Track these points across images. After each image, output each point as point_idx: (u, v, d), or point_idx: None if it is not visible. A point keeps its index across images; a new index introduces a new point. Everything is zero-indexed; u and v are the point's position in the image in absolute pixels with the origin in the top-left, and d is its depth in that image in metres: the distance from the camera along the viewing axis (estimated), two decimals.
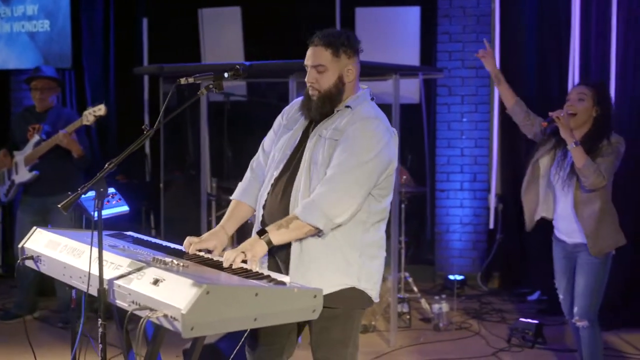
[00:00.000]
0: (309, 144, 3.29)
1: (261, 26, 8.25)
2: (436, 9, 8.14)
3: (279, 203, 3.28)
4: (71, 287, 3.22)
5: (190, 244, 3.29)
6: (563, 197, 4.54)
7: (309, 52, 3.31)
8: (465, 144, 8.08)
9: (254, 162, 3.59)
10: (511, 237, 7.88)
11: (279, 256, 3.30)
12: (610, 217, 4.51)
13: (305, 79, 3.32)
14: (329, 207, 3.10)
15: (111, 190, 3.92)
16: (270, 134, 3.58)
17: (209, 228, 6.41)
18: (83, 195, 3.76)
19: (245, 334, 3.44)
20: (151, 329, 3.25)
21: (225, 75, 3.10)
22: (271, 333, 3.40)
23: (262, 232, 3.11)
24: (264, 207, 3.35)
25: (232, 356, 3.52)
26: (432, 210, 7.95)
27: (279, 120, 3.57)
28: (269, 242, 3.08)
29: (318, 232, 3.14)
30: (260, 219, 3.37)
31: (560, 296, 4.79)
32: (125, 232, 3.70)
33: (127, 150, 2.92)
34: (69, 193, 2.97)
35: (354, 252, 3.24)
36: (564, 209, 4.55)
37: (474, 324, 6.56)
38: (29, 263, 3.47)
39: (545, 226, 7.31)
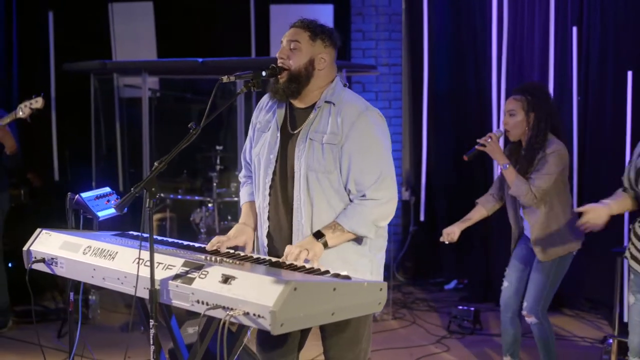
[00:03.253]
0: (301, 149, 3.21)
1: (174, 22, 8.15)
2: (349, 7, 8.30)
3: (281, 215, 3.28)
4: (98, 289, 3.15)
5: (219, 242, 3.27)
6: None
7: (289, 31, 3.30)
8: None
9: (246, 159, 3.55)
10: (424, 229, 8.15)
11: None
12: (558, 223, 4.58)
13: (277, 54, 3.27)
14: (379, 219, 3.20)
15: (107, 190, 3.84)
16: (249, 134, 3.52)
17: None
18: (84, 195, 3.69)
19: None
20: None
21: (263, 73, 3.13)
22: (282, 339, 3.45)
23: (319, 235, 3.12)
24: (269, 219, 3.33)
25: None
26: None
27: (252, 123, 3.49)
28: (325, 244, 3.11)
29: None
30: (267, 230, 3.33)
31: (505, 283, 4.85)
32: (130, 232, 3.62)
33: (176, 148, 2.89)
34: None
35: (364, 246, 3.28)
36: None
37: (407, 313, 6.77)
38: (38, 266, 3.37)
39: (457, 218, 7.63)
